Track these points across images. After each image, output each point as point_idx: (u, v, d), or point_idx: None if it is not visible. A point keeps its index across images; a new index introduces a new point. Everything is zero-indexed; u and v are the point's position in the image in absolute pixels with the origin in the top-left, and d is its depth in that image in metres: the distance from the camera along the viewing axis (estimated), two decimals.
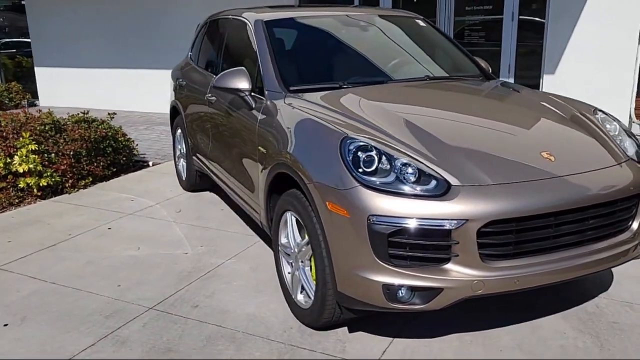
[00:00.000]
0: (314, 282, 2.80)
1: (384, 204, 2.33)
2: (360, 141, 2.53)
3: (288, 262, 3.14)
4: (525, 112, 3.22)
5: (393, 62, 3.89)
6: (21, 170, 5.08)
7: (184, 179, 5.43)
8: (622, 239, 2.65)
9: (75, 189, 5.50)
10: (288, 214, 2.98)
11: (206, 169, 4.65)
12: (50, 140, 5.43)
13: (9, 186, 5.19)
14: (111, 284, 3.51)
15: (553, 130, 2.96)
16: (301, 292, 3.00)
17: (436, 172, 2.41)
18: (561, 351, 2.71)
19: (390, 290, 2.38)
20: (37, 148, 5.19)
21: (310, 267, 2.87)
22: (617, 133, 2.98)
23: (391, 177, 2.41)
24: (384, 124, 2.74)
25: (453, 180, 2.38)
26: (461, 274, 2.33)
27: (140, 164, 6.49)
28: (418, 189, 2.36)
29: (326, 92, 3.28)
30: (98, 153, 5.77)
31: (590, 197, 2.47)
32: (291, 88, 3.30)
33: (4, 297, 3.39)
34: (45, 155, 5.28)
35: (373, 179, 2.40)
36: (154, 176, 5.98)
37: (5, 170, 5.14)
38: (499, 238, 2.35)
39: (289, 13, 4.12)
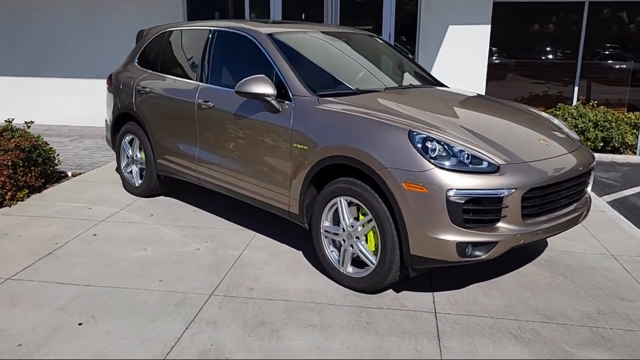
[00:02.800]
0: (373, 252, 3.42)
1: (457, 181, 3.07)
2: (424, 133, 3.23)
3: (332, 242, 3.68)
4: (510, 112, 4.17)
5: (381, 73, 4.65)
6: None
7: (136, 185, 5.49)
8: (583, 201, 3.73)
9: (14, 202, 5.22)
10: (340, 199, 3.53)
11: (182, 172, 4.86)
12: None
13: None
14: (151, 281, 3.68)
15: (535, 124, 3.94)
16: (351, 265, 3.57)
17: (484, 155, 3.21)
18: (549, 286, 3.69)
19: (461, 247, 3.11)
20: None
21: (367, 241, 3.46)
22: (563, 127, 4.09)
23: (454, 160, 3.15)
24: (427, 119, 3.47)
25: (498, 161, 3.20)
26: (509, 230, 3.16)
27: (58, 175, 6.25)
28: (478, 168, 3.13)
29: (353, 96, 3.90)
30: (31, 163, 5.52)
31: (577, 169, 3.49)
32: (319, 92, 3.85)
33: (49, 301, 3.37)
34: None
35: (444, 162, 3.11)
36: (88, 185, 5.87)
37: None
38: (533, 201, 3.23)
39: (288, 28, 4.58)
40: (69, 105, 9.42)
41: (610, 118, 8.02)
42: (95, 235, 4.47)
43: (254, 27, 4.37)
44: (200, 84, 4.61)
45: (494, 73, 8.99)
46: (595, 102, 8.63)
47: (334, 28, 5.07)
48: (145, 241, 4.36)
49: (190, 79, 4.75)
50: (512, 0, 8.88)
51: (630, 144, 7.93)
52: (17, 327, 3.08)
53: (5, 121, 5.73)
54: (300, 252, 4.18)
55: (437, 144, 3.19)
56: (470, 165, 3.15)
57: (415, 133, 3.23)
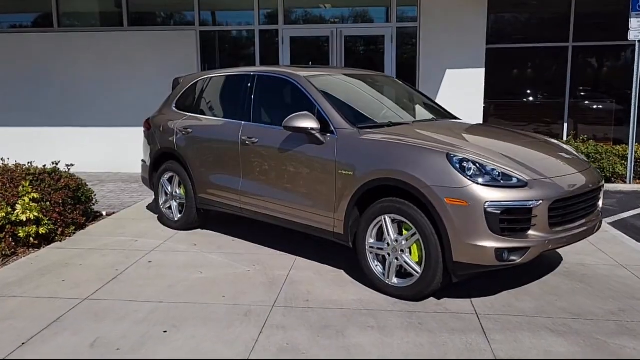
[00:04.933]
0: (417, 263, 3.87)
1: (493, 194, 3.57)
2: (460, 155, 3.74)
3: (376, 257, 4.13)
4: (524, 138, 4.71)
5: (403, 108, 5.22)
6: (24, 219, 5.10)
7: (175, 219, 5.90)
8: (597, 214, 4.24)
9: (64, 237, 5.59)
10: (385, 217, 4.00)
11: (224, 204, 5.30)
12: (41, 189, 5.49)
13: (7, 236, 5.13)
14: (215, 297, 4.06)
15: (548, 148, 4.48)
16: (396, 276, 4.01)
17: (513, 172, 3.72)
18: (572, 291, 4.15)
19: (498, 252, 3.58)
20: (38, 197, 5.27)
21: (411, 252, 3.92)
22: (572, 150, 4.64)
23: (487, 178, 3.65)
24: (458, 144, 3.99)
25: (526, 177, 3.71)
26: (539, 237, 3.64)
27: (94, 214, 6.63)
28: (509, 183, 3.64)
29: (387, 127, 4.43)
30: (76, 202, 5.92)
31: (591, 185, 4.02)
32: (358, 125, 4.37)
33: (130, 315, 3.74)
34: (42, 203, 5.35)
35: (479, 179, 3.62)
36: (125, 222, 6.26)
37: (5, 220, 5.10)
38: (558, 212, 3.73)
39: (320, 72, 5.14)
40: (84, 153, 9.79)
41: (600, 150, 8.66)
42: (150, 262, 4.86)
43: (293, 71, 4.92)
44: (243, 122, 5.11)
45: (487, 113, 9.65)
46: (585, 136, 9.30)
47: (356, 71, 5.66)
48: (198, 266, 4.75)
49: (233, 118, 5.25)
50: (501, 47, 9.64)
51: (620, 173, 8.55)
52: (109, 336, 3.45)
53: (52, 163, 6.15)
54: (342, 271, 4.60)
55: (472, 164, 3.70)
56: (502, 181, 3.65)
57: (452, 155, 3.74)
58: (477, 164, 3.71)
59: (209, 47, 9.87)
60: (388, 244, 4.02)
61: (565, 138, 9.59)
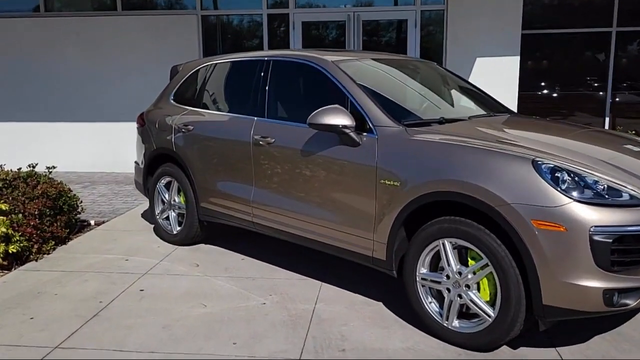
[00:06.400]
0: (488, 302, 2.94)
1: (602, 216, 2.63)
2: (550, 162, 2.80)
3: (431, 291, 3.20)
4: (608, 139, 3.76)
5: (452, 101, 4.26)
6: None
7: (174, 232, 4.98)
8: None
9: (41, 255, 4.67)
10: (444, 242, 3.07)
11: (232, 216, 4.38)
12: (12, 198, 4.57)
13: None
14: (224, 344, 3.15)
15: (635, 152, 3.52)
16: (458, 318, 3.08)
17: (622, 185, 2.78)
18: None
19: (608, 295, 2.65)
20: (7, 208, 4.34)
21: (479, 289, 2.99)
22: None
23: (589, 193, 2.72)
24: (541, 148, 3.05)
25: (638, 193, 2.77)
26: None
27: (80, 224, 5.71)
28: (619, 201, 2.70)
29: (440, 125, 3.50)
30: (57, 212, 5.00)
31: None
32: (405, 122, 3.43)
33: None
34: (12, 216, 4.43)
35: (579, 195, 2.68)
36: (116, 235, 5.34)
37: None
38: None
39: (348, 56, 4.19)
40: (75, 151, 8.91)
41: None
42: (142, 290, 3.94)
43: (319, 55, 3.98)
44: (255, 118, 4.17)
45: (519, 104, 8.70)
46: (633, 131, 8.35)
47: (388, 55, 4.69)
48: (201, 295, 3.83)
49: (243, 113, 4.31)
50: (534, 32, 8.67)
51: None
52: None
53: (29, 166, 5.23)
54: (381, 303, 3.68)
55: (566, 175, 2.76)
56: (610, 198, 2.72)
57: (540, 162, 2.81)
58: (574, 175, 2.77)
59: (212, 33, 8.92)
60: (447, 277, 3.10)
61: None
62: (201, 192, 4.63)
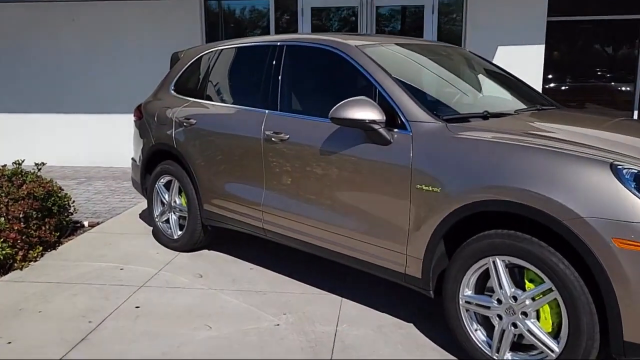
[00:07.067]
0: (550, 334, 2.46)
1: None
2: (633, 167, 2.30)
3: (476, 316, 2.72)
4: None
5: (493, 92, 3.75)
6: None
7: (175, 237, 4.50)
8: None
9: (26, 263, 4.19)
10: (496, 260, 2.58)
11: (240, 221, 3.90)
12: None
13: None
14: None
15: None
16: (511, 349, 2.60)
17: None
18: None
19: None
20: None
21: (539, 317, 2.50)
22: None
23: None
24: (614, 149, 2.54)
25: None
26: None
27: (72, 225, 5.23)
28: None
29: (485, 121, 3.00)
30: (45, 214, 4.51)
31: None
32: (445, 117, 2.93)
33: None
34: None
35: None
36: (111, 238, 4.86)
37: None
38: None
39: (371, 40, 3.68)
40: (71, 144, 8.42)
41: None
42: (138, 307, 3.46)
43: (340, 39, 3.46)
44: (267, 111, 3.67)
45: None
46: None
47: (413, 40, 4.16)
48: (205, 314, 3.35)
49: (252, 106, 3.81)
50: (558, 19, 8.12)
51: None
52: None
53: (14, 163, 4.73)
54: (412, 325, 3.20)
55: None
56: None
57: (620, 166, 2.30)
58: None
59: (215, 19, 8.39)
60: (499, 301, 2.61)
61: None
62: (205, 194, 4.14)
